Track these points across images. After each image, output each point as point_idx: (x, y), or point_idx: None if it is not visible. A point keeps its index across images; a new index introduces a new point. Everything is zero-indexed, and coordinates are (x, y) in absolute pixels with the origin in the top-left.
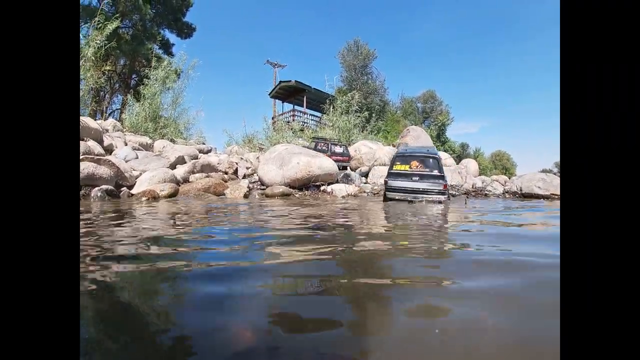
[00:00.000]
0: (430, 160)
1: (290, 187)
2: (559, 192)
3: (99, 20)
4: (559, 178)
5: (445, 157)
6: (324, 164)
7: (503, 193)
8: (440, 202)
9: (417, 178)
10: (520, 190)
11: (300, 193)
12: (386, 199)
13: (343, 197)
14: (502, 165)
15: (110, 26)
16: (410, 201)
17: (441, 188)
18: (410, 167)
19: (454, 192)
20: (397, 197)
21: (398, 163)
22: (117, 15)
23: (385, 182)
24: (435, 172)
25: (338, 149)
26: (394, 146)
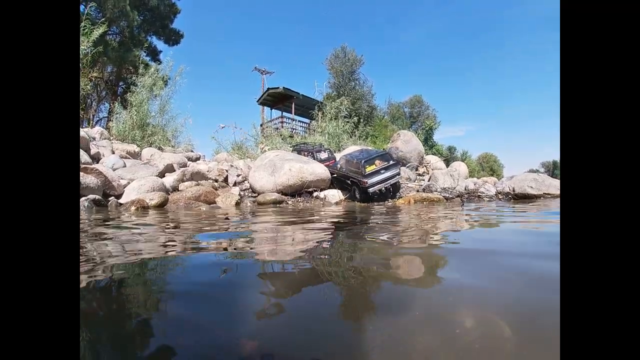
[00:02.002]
0: (385, 155)
1: (282, 194)
2: (551, 192)
3: (84, 25)
4: (551, 178)
5: (435, 161)
6: (316, 170)
7: (496, 194)
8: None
9: (384, 171)
10: (513, 190)
11: (292, 200)
12: (371, 195)
13: (336, 203)
14: (489, 167)
15: (97, 32)
16: (388, 190)
17: (398, 171)
18: (376, 165)
19: (446, 195)
20: (377, 189)
21: (367, 166)
22: (104, 20)
23: (365, 183)
24: (392, 162)
25: (323, 155)
26: (384, 150)
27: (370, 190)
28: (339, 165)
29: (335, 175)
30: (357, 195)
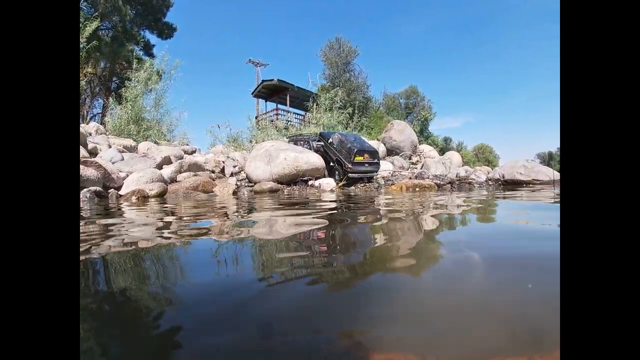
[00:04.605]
0: (373, 152)
1: (278, 183)
2: (539, 178)
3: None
4: (540, 165)
5: (429, 150)
6: (311, 159)
7: (486, 181)
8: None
9: (367, 165)
10: (503, 177)
11: (288, 188)
12: (348, 179)
13: (332, 190)
14: (484, 157)
15: (90, 27)
16: (362, 179)
17: (376, 168)
18: (363, 158)
19: (438, 182)
20: (355, 176)
21: (357, 156)
22: (97, 16)
23: (349, 168)
24: (376, 160)
25: (319, 145)
26: (378, 140)
27: (350, 174)
28: (330, 140)
29: (323, 145)
30: (336, 174)
